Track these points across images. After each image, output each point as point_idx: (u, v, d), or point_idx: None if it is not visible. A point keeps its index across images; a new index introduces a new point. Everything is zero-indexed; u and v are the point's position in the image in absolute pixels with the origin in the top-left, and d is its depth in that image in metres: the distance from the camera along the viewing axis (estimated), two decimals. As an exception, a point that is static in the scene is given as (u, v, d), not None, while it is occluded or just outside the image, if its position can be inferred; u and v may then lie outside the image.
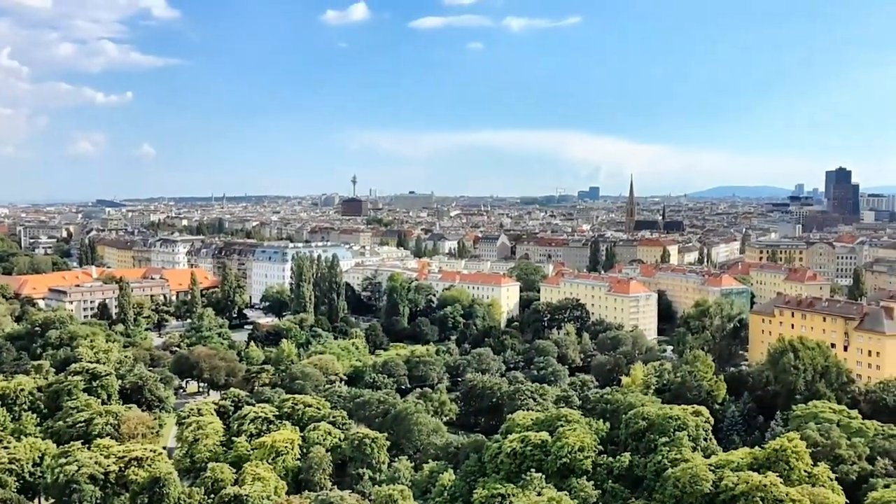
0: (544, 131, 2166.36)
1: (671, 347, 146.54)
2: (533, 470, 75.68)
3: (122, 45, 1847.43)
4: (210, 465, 79.50)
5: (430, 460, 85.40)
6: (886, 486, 68.75)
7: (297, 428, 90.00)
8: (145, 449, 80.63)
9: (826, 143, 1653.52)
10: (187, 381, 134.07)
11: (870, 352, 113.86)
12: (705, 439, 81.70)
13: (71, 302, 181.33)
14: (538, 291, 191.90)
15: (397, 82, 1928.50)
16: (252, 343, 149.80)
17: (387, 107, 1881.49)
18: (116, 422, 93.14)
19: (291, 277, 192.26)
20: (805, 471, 68.01)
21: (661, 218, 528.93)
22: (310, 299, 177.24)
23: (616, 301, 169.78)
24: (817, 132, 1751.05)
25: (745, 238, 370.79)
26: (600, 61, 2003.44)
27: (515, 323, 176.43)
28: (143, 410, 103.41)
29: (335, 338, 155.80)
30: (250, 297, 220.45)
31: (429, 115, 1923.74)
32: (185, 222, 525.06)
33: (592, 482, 75.34)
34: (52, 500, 78.48)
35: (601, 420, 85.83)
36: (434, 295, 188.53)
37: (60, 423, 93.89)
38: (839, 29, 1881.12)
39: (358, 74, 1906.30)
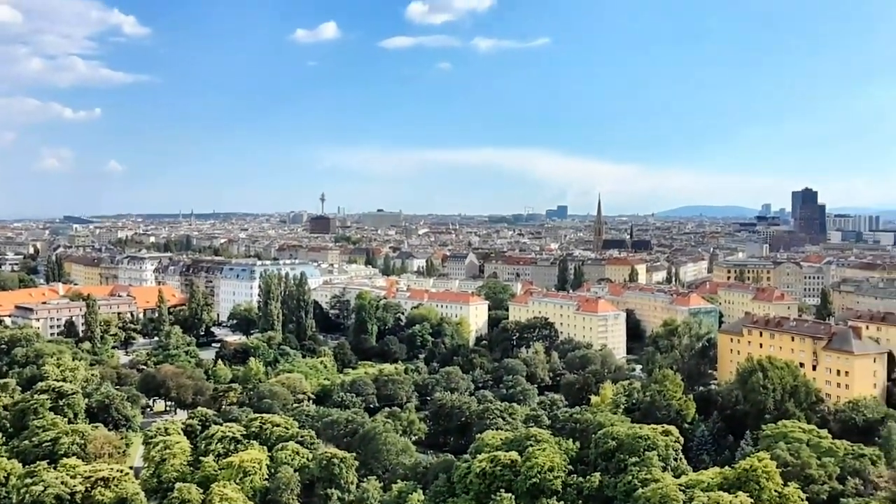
0: (513, 150, 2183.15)
1: (640, 366, 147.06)
2: (502, 490, 75.03)
3: (91, 61, 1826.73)
4: (177, 485, 78.81)
5: (398, 480, 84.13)
6: (856, 506, 69.42)
7: (265, 448, 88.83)
8: (112, 469, 79.66)
9: (792, 164, 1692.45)
10: (154, 400, 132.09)
11: (838, 371, 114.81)
12: (675, 459, 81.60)
13: (37, 319, 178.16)
14: (507, 310, 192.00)
15: (367, 101, 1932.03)
16: (220, 361, 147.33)
17: (356, 125, 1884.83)
18: (83, 441, 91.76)
19: (259, 295, 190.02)
20: (775, 491, 68.07)
21: (629, 237, 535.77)
22: (278, 317, 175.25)
23: (585, 320, 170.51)
24: (783, 153, 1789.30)
25: (713, 257, 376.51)
26: (569, 82, 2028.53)
27: (484, 342, 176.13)
28: (109, 430, 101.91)
29: (303, 356, 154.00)
30: (218, 315, 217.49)
31: (398, 133, 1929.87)
32: (152, 239, 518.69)
33: (562, 502, 74.79)
34: (18, 521, 76.11)
35: (571, 440, 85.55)
36: (402, 313, 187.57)
37: (26, 442, 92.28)
38: (805, 55, 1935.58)
39: (327, 93, 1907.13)
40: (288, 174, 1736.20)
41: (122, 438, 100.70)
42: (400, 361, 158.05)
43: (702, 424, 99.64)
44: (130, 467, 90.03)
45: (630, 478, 74.83)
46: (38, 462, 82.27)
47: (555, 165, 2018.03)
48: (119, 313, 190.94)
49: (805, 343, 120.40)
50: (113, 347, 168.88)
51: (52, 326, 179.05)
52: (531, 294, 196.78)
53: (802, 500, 68.73)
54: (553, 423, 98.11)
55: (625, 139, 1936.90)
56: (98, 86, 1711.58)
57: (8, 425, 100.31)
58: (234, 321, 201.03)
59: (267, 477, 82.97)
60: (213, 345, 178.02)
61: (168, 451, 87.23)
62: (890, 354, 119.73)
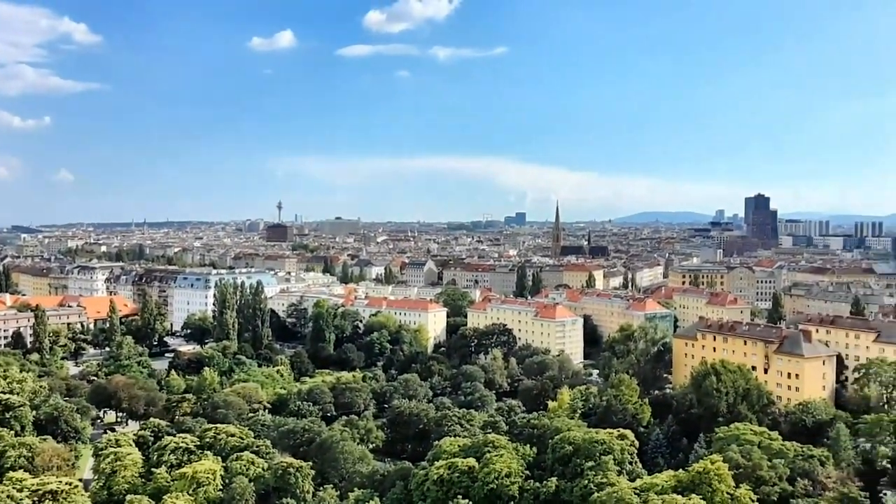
0: (472, 158, 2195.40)
1: (597, 371, 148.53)
2: (460, 497, 74.71)
3: (40, 69, 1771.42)
4: (129, 497, 77.36)
5: (355, 489, 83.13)
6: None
7: (220, 458, 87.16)
8: (61, 482, 77.45)
9: (745, 171, 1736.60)
10: (105, 412, 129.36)
11: (789, 374, 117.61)
12: (631, 463, 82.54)
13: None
14: (465, 317, 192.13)
15: (324, 109, 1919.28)
16: (173, 371, 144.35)
17: (313, 133, 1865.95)
18: (30, 454, 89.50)
19: (214, 304, 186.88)
20: (728, 493, 69.10)
21: (586, 243, 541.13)
22: (233, 326, 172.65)
23: (543, 326, 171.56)
24: (736, 160, 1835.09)
25: (669, 263, 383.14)
26: (527, 90, 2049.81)
27: (443, 348, 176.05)
28: (58, 442, 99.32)
29: (259, 365, 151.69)
30: (171, 325, 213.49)
31: (356, 141, 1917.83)
32: (104, 248, 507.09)
33: (520, 507, 74.93)
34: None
35: (528, 445, 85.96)
36: (360, 321, 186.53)
37: None
38: (755, 61, 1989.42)
39: (284, 101, 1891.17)
40: (244, 182, 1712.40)
41: (71, 451, 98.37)
42: (358, 369, 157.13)
43: (657, 428, 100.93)
44: (80, 480, 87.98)
45: (586, 482, 75.38)
46: (-16, 476, 79.70)
47: (513, 172, 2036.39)
48: (69, 324, 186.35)
49: (757, 346, 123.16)
50: (62, 358, 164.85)
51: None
52: (489, 301, 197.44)
53: (754, 501, 69.96)
54: (511, 428, 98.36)
55: (582, 146, 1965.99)
56: (48, 94, 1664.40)
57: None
58: (189, 331, 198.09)
59: (221, 488, 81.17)
60: (167, 355, 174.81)
61: (119, 462, 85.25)
62: (839, 357, 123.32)
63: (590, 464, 78.11)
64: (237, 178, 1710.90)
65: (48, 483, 76.37)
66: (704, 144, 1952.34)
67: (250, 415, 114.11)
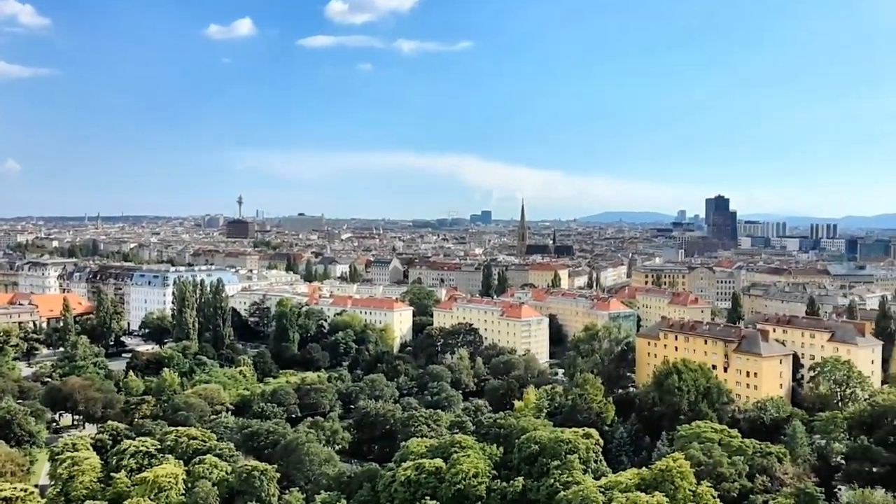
0: (437, 155, 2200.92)
1: (562, 371, 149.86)
2: (428, 498, 74.47)
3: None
4: (87, 503, 75.57)
5: (322, 491, 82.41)
6: (765, 502, 72.40)
7: (181, 462, 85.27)
8: (15, 488, 75.63)
9: (706, 172, 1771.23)
10: (61, 414, 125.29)
11: (747, 372, 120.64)
12: (595, 461, 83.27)
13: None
14: (431, 316, 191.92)
15: (285, 101, 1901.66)
16: (131, 372, 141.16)
17: (275, 125, 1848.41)
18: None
19: (173, 303, 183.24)
20: (690, 490, 70.20)
21: (552, 242, 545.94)
22: (193, 326, 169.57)
23: (509, 325, 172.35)
24: (698, 162, 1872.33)
25: (632, 262, 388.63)
26: (492, 86, 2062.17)
27: (409, 348, 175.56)
28: (11, 447, 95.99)
29: (221, 366, 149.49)
30: (128, 324, 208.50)
31: (319, 135, 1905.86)
32: (55, 244, 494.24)
33: (487, 508, 75.07)
34: None
35: (495, 445, 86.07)
36: (325, 320, 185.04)
37: None
38: (715, 63, 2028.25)
39: (244, 92, 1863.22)
40: (203, 176, 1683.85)
41: (25, 456, 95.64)
42: (323, 369, 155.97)
43: (621, 426, 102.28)
44: (35, 486, 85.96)
45: (552, 481, 75.79)
46: (-67, 483, 77.22)
47: (479, 170, 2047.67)
48: (20, 323, 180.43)
49: (717, 346, 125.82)
50: (14, 359, 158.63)
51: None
52: (455, 300, 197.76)
53: (714, 497, 71.10)
54: (478, 428, 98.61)
55: (547, 145, 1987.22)
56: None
57: None
58: (147, 330, 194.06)
59: (183, 492, 79.60)
60: (124, 355, 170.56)
61: (76, 467, 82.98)
62: (795, 356, 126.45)
63: (555, 463, 78.59)
64: (195, 171, 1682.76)
65: (2, 490, 74.32)
66: (667, 145, 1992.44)
67: (212, 417, 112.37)
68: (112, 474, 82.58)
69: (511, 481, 78.51)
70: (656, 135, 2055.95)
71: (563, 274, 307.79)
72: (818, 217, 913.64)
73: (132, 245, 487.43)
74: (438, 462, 79.06)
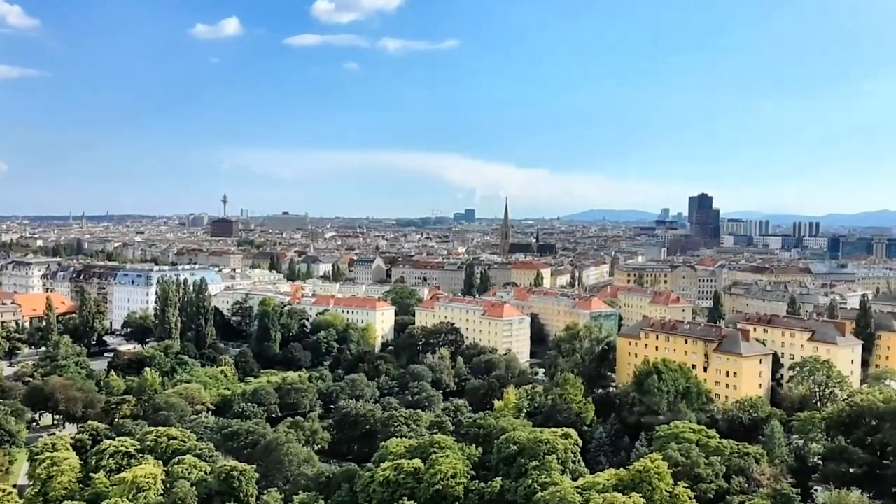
0: (421, 153, 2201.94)
1: (543, 370, 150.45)
2: (406, 498, 74.58)
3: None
4: (65, 503, 75.22)
5: (300, 492, 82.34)
6: (741, 503, 72.79)
7: (161, 462, 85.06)
8: (-7, 488, 74.51)
9: (689, 171, 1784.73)
10: (41, 414, 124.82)
11: (727, 372, 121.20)
12: (574, 462, 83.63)
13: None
14: (414, 315, 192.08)
15: (271, 100, 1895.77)
16: (112, 372, 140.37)
17: (260, 125, 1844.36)
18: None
19: (156, 302, 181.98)
20: (666, 491, 70.69)
21: (534, 241, 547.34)
22: (175, 325, 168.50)
23: (490, 325, 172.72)
24: (681, 160, 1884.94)
25: (615, 261, 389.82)
26: (477, 85, 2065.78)
27: (391, 347, 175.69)
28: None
29: (203, 365, 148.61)
30: (111, 324, 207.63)
31: (303, 134, 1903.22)
32: (39, 243, 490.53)
33: (465, 508, 75.35)
34: None
35: (474, 445, 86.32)
36: (307, 319, 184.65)
37: None
38: (698, 62, 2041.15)
39: (230, 91, 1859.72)
40: (187, 175, 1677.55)
41: (4, 455, 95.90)
42: (304, 369, 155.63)
43: (600, 426, 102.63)
44: (14, 485, 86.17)
45: (530, 482, 76.13)
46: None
47: (462, 169, 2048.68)
48: (2, 322, 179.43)
49: (697, 345, 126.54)
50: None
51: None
52: (438, 299, 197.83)
53: (691, 498, 71.62)
54: (457, 428, 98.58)
55: (531, 144, 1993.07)
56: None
57: None
58: (129, 329, 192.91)
59: (162, 492, 79.27)
60: (106, 354, 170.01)
61: (55, 467, 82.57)
62: (775, 355, 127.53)
63: (534, 463, 78.92)
64: (180, 171, 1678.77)
65: (-21, 490, 73.63)
66: (652, 144, 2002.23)
67: (193, 417, 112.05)
68: (91, 474, 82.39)
69: (489, 482, 78.89)
70: (641, 133, 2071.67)
71: (546, 273, 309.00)
72: (801, 215, 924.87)
73: (116, 244, 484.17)
74: (417, 462, 79.24)
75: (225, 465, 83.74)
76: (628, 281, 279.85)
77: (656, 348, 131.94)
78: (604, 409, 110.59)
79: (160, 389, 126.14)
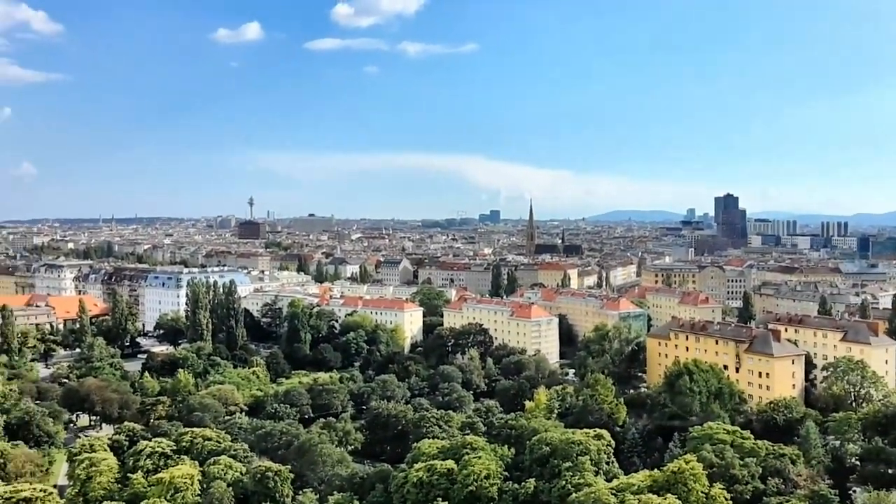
0: (444, 155, 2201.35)
1: (573, 371, 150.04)
2: (440, 499, 74.94)
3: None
4: (105, 503, 76.32)
5: (335, 492, 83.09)
6: (778, 504, 72.11)
7: (197, 462, 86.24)
8: (34, 489, 76.36)
9: (715, 170, 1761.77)
10: (78, 415, 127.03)
11: (759, 373, 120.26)
12: (607, 462, 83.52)
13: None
14: (441, 316, 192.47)
15: (294, 104, 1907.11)
16: (146, 373, 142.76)
17: (284, 128, 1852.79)
18: (2, 460, 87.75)
19: (187, 304, 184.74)
20: (702, 492, 70.26)
21: (560, 241, 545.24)
22: (207, 327, 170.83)
23: (518, 325, 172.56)
24: (707, 159, 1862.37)
25: (642, 262, 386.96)
26: (498, 87, 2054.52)
27: (419, 348, 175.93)
28: (30, 447, 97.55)
29: (235, 366, 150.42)
30: (143, 325, 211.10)
31: (328, 136, 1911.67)
32: (71, 245, 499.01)
33: (499, 509, 75.54)
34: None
35: (506, 446, 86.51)
36: (336, 321, 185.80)
37: None
38: (723, 62, 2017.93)
39: (253, 95, 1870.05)
40: (214, 178, 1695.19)
41: (44, 456, 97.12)
42: (335, 370, 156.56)
43: (632, 427, 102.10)
44: (54, 486, 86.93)
45: (564, 483, 76.05)
46: (-45, 483, 78.75)
47: (486, 170, 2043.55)
48: (37, 324, 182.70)
49: (728, 346, 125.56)
50: (32, 360, 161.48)
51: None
52: (465, 300, 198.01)
53: (727, 500, 70.99)
54: (489, 429, 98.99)
55: (554, 145, 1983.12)
56: (8, 84, 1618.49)
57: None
58: (161, 331, 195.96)
59: (199, 493, 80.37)
60: (139, 356, 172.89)
61: (94, 468, 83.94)
62: (807, 356, 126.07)
63: (567, 464, 78.80)
64: (207, 174, 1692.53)
65: (22, 490, 75.11)
66: (676, 143, 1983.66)
67: (227, 417, 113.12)
68: (129, 475, 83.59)
69: (522, 483, 78.90)
70: (666, 133, 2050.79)
71: (573, 273, 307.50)
72: (829, 214, 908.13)
73: (146, 246, 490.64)
74: (450, 463, 79.51)
75: (260, 466, 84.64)
76: (656, 281, 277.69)
77: (687, 349, 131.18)
78: (635, 410, 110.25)
79: (194, 390, 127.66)
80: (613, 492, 71.54)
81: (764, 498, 75.95)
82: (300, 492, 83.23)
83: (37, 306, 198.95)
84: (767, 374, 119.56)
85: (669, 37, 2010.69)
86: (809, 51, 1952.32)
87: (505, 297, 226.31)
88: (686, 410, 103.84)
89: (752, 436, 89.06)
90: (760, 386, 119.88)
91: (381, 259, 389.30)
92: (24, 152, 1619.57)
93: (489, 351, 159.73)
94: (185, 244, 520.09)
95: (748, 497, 76.71)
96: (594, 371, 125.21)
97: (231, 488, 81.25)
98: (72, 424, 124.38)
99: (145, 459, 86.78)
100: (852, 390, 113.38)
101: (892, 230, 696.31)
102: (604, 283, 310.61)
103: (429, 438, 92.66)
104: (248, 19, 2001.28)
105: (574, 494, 72.78)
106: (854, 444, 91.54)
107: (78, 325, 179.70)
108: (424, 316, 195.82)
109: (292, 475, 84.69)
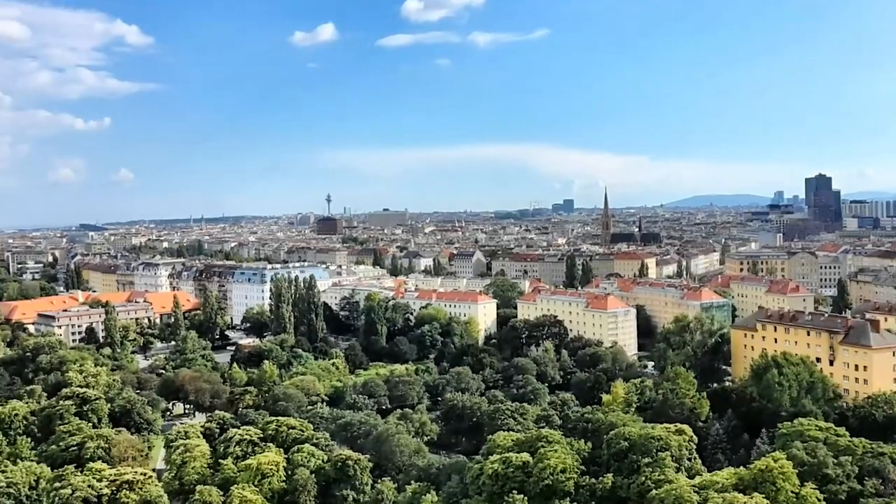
0: (516, 144, 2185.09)
1: (652, 363, 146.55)
2: (515, 492, 74.63)
3: (98, 71, 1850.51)
4: (198, 487, 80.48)
5: (412, 481, 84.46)
6: (877, 507, 67.99)
7: (282, 450, 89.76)
8: (136, 472, 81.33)
9: (804, 150, 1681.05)
10: (174, 404, 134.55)
11: (856, 366, 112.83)
12: (689, 459, 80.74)
13: (59, 327, 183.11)
14: (515, 308, 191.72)
15: (368, 100, 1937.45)
16: (235, 364, 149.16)
17: (358, 125, 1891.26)
18: (107, 445, 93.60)
19: (270, 298, 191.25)
20: (792, 492, 67.17)
21: (637, 230, 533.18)
22: (289, 320, 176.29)
23: (594, 317, 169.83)
24: (795, 139, 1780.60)
25: (725, 249, 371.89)
26: (570, 74, 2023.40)
27: (493, 340, 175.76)
28: (132, 433, 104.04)
29: (315, 358, 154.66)
30: (231, 319, 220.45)
31: (401, 131, 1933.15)
32: (165, 244, 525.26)
33: (575, 503, 74.68)
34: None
35: (582, 440, 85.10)
36: (411, 313, 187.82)
37: (54, 446, 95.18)
38: (812, 33, 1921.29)
39: (329, 94, 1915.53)
40: (294, 176, 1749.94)
41: (144, 442, 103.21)
42: (410, 362, 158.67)
43: (716, 423, 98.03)
44: (153, 470, 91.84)
45: (643, 479, 74.16)
46: (65, 466, 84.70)
47: (559, 159, 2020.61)
48: (137, 319, 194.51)
49: (821, 337, 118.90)
50: (132, 353, 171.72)
51: (73, 333, 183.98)
52: (539, 292, 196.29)
53: (820, 500, 67.54)
54: (564, 423, 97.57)
55: (630, 130, 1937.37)
56: (106, 96, 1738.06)
57: (36, 430, 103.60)
58: (248, 324, 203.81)
59: (284, 479, 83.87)
60: (228, 348, 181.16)
61: (188, 454, 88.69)
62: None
63: (646, 460, 76.80)
64: (287, 173, 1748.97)
65: (124, 473, 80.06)
66: (760, 123, 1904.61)
67: (309, 407, 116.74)
68: (220, 461, 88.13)
69: (600, 478, 77.49)
70: (749, 111, 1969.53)
71: (651, 263, 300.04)
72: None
73: (233, 244, 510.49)
74: (525, 456, 78.81)
75: (340, 454, 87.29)
76: (741, 269, 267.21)
77: (775, 340, 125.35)
78: (719, 405, 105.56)
79: (278, 381, 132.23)
80: (696, 489, 69.46)
81: (861, 499, 71.51)
82: (378, 480, 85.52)
83: (136, 302, 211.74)
84: (865, 367, 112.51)
85: (750, 16, 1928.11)
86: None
87: (580, 288, 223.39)
88: (775, 405, 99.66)
89: (847, 433, 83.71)
90: (857, 380, 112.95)
91: (455, 252, 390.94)
92: (123, 159, 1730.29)
93: (564, 343, 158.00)
94: (268, 241, 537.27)
95: (843, 498, 72.40)
96: (674, 364, 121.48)
97: (314, 475, 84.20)
98: (168, 412, 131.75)
99: (235, 446, 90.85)
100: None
101: None
102: (684, 273, 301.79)
103: (503, 431, 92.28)
104: (323, 21, 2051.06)
105: (654, 491, 70.95)
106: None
107: (172, 320, 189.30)
108: (498, 308, 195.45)
109: (371, 464, 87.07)
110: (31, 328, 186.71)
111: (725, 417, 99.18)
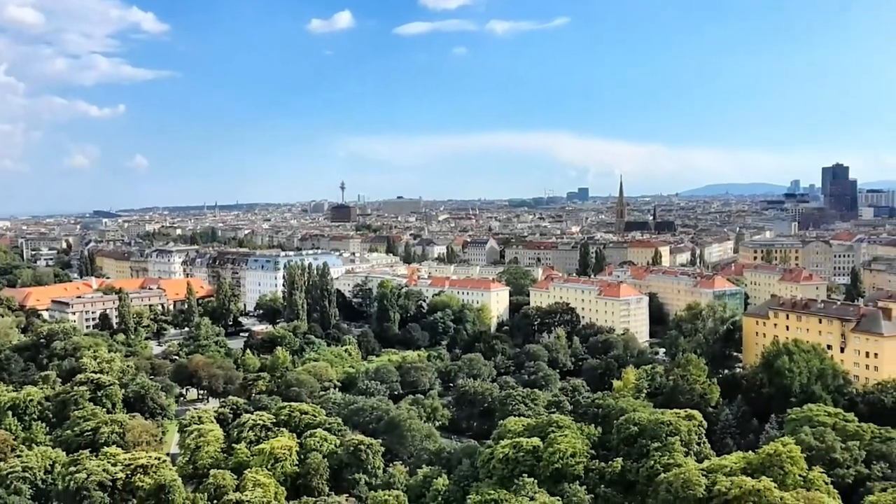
0: (531, 133, 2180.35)
1: (663, 350, 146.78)
2: (525, 475, 75.71)
3: (113, 58, 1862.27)
4: (212, 471, 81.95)
5: (423, 465, 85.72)
6: (883, 490, 68.31)
7: (294, 435, 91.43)
8: (150, 456, 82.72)
9: (821, 139, 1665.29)
10: (187, 389, 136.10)
11: (867, 353, 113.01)
12: (698, 443, 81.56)
13: (73, 313, 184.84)
14: (528, 296, 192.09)
15: (383, 88, 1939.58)
16: (248, 351, 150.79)
17: (374, 113, 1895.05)
18: (121, 430, 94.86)
19: (284, 285, 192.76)
20: (800, 475, 67.81)
21: (651, 218, 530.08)
22: (302, 307, 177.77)
23: (606, 304, 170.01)
24: (812, 127, 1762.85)
25: (739, 237, 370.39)
26: (588, 62, 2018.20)
27: (506, 327, 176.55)
28: (146, 418, 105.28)
29: (328, 344, 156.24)
30: (244, 305, 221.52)
31: (415, 119, 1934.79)
32: (178, 231, 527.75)
33: (585, 487, 75.53)
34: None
35: (593, 425, 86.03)
36: (424, 301, 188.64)
37: (69, 431, 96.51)
38: (831, 24, 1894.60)
39: (344, 82, 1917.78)
40: (308, 163, 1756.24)
41: (158, 427, 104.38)
42: (423, 348, 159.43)
43: (726, 408, 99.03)
44: (167, 454, 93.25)
45: (652, 463, 75.16)
46: (80, 450, 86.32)
47: (575, 147, 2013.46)
48: (150, 305, 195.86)
49: (833, 325, 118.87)
50: (146, 339, 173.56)
51: (87, 319, 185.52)
52: (552, 279, 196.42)
53: (827, 484, 68.30)
54: (575, 408, 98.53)
55: (646, 118, 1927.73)
56: (121, 83, 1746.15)
57: (51, 416, 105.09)
58: (261, 311, 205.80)
59: (297, 463, 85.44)
60: (241, 334, 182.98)
61: (202, 438, 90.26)
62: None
63: (655, 444, 77.64)
64: (301, 160, 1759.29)
65: (139, 458, 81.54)
66: (776, 112, 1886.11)
67: (321, 393, 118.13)
68: (233, 445, 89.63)
69: (609, 462, 78.53)
70: (765, 100, 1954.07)
71: (664, 251, 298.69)
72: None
73: (246, 231, 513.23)
74: (536, 441, 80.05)
75: (353, 439, 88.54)
76: (755, 258, 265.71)
77: (787, 328, 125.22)
78: (729, 391, 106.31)
79: (291, 367, 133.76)
80: (704, 472, 70.23)
81: (867, 483, 72.34)
82: (390, 464, 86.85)
83: (149, 289, 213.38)
84: (876, 354, 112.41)
85: (766, 4, 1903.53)
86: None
87: (593, 275, 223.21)
88: (785, 392, 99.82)
89: (856, 418, 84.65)
90: (867, 367, 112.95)
91: (468, 239, 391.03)
92: (137, 146, 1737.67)
93: (576, 330, 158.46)
94: (281, 228, 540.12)
95: (850, 481, 73.31)
96: (686, 351, 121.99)
97: (326, 459, 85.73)
98: (182, 398, 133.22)
99: (248, 431, 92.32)
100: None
101: None
102: (697, 261, 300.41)
103: (514, 416, 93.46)
104: (340, 8, 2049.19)
105: (662, 475, 71.90)
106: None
107: (186, 306, 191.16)
108: (511, 295, 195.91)
109: (383, 448, 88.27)
110: (46, 314, 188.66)
111: (735, 403, 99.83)
